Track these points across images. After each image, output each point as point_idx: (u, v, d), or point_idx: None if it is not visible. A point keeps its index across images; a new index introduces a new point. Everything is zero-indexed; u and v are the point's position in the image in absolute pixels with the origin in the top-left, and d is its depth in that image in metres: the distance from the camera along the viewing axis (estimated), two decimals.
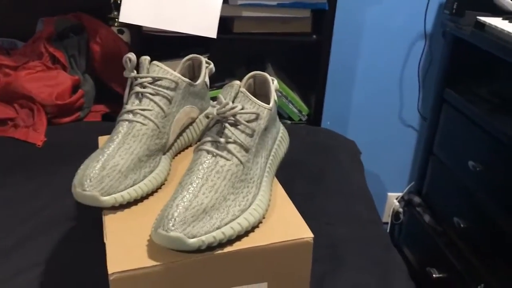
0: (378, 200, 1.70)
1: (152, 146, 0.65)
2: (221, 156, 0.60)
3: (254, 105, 0.63)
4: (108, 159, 0.61)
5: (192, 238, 0.54)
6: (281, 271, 0.61)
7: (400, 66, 1.71)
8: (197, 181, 0.58)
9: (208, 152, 0.60)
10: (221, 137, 0.61)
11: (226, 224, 0.56)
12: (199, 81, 0.71)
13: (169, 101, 0.67)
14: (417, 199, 1.67)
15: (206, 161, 0.60)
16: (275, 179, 0.72)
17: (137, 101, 0.66)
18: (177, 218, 0.54)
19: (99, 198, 0.59)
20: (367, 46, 1.68)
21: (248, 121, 0.62)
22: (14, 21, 1.42)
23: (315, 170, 1.12)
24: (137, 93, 0.66)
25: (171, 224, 0.53)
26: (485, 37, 1.25)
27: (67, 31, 1.36)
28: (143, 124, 0.65)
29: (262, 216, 0.61)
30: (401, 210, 1.82)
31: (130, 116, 0.65)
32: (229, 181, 0.59)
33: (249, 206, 0.60)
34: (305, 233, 0.60)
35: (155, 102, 0.66)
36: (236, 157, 0.60)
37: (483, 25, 1.28)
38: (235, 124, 0.61)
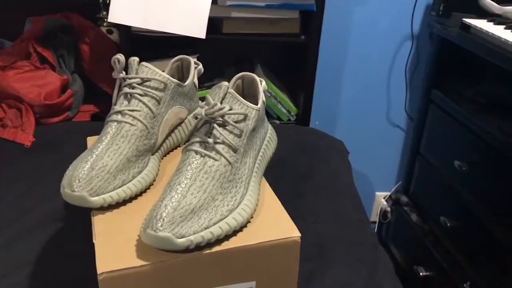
0: (366, 199, 1.72)
1: (140, 146, 0.66)
2: (210, 157, 0.60)
3: (242, 105, 0.64)
4: (97, 159, 0.62)
5: (181, 238, 0.54)
6: (269, 270, 0.61)
7: (388, 67, 1.73)
8: (185, 182, 0.59)
9: (196, 152, 0.61)
10: (209, 137, 0.61)
11: (214, 224, 0.57)
12: (187, 81, 0.72)
13: (158, 101, 0.67)
14: (404, 198, 1.69)
15: (195, 162, 0.60)
16: (264, 179, 0.72)
17: (125, 102, 0.66)
18: (165, 218, 0.54)
19: (88, 199, 0.59)
20: (355, 47, 1.69)
21: (236, 122, 0.63)
22: (1, 20, 1.41)
23: (303, 169, 1.13)
24: (126, 93, 0.66)
25: (159, 224, 0.54)
26: (470, 39, 1.27)
27: (56, 31, 1.35)
28: (132, 125, 0.65)
29: (250, 215, 0.61)
30: (388, 209, 1.84)
31: (119, 117, 0.65)
32: (218, 181, 0.60)
33: (238, 206, 0.60)
34: (293, 232, 0.61)
35: (143, 103, 0.66)
36: (225, 158, 0.61)
37: (468, 27, 1.29)
38: (223, 125, 0.62)
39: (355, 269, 0.85)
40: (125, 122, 0.65)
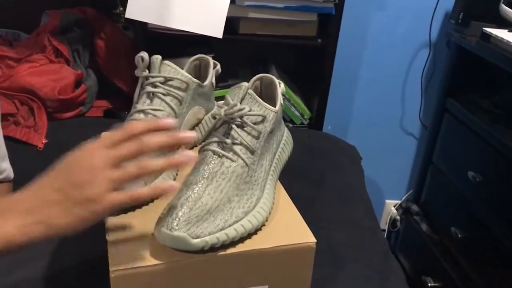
0: (376, 207, 1.70)
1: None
2: (227, 157, 0.60)
3: (261, 107, 0.63)
4: None
5: (196, 238, 0.53)
6: (282, 275, 0.60)
7: (403, 74, 1.71)
8: (202, 181, 0.58)
9: (214, 152, 0.60)
10: (227, 138, 0.60)
11: (229, 226, 0.56)
12: (206, 82, 0.71)
13: (180, 102, 0.67)
14: (415, 208, 1.67)
15: (212, 162, 0.60)
16: (279, 183, 0.71)
17: (148, 101, 0.65)
18: (181, 218, 0.54)
19: None
20: (371, 52, 1.68)
21: (254, 123, 0.62)
22: (18, 13, 1.42)
23: (315, 174, 1.12)
24: (148, 92, 0.66)
25: (175, 224, 0.53)
26: (490, 48, 1.25)
27: (72, 25, 1.35)
28: None
29: (265, 219, 0.60)
30: (398, 217, 1.82)
31: (142, 116, 0.64)
32: (234, 182, 0.59)
33: (253, 209, 0.59)
34: (308, 237, 0.60)
35: (166, 103, 0.66)
36: (242, 159, 0.60)
37: (489, 36, 1.28)
38: (241, 126, 0.61)
39: (367, 277, 0.84)
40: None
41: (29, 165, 1.04)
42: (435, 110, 1.58)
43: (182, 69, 0.70)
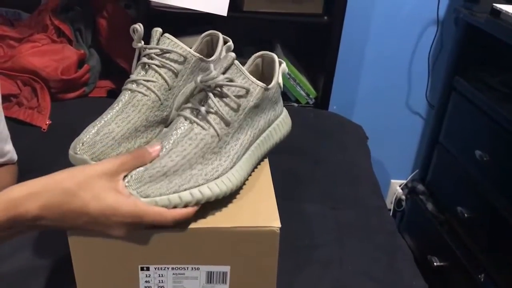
0: (381, 187, 1.69)
1: (151, 117, 0.65)
2: (198, 124, 0.58)
3: (247, 80, 0.61)
4: (104, 125, 0.62)
5: (145, 197, 0.53)
6: (245, 258, 0.59)
7: (410, 52, 1.69)
8: (167, 145, 0.57)
9: (186, 118, 0.59)
10: (202, 106, 0.59)
11: (185, 190, 0.55)
12: (213, 57, 0.69)
13: (175, 74, 0.66)
14: (420, 187, 1.67)
15: (182, 127, 0.58)
16: (266, 164, 0.69)
17: (142, 72, 0.65)
18: (133, 176, 0.54)
19: (89, 162, 0.59)
20: (378, 31, 1.65)
21: (236, 96, 0.60)
22: None
23: (322, 154, 1.11)
24: (144, 64, 0.66)
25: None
26: (500, 25, 1.23)
27: (73, 4, 1.33)
28: (145, 95, 0.64)
29: (229, 190, 0.58)
30: (403, 197, 1.81)
31: (134, 86, 0.65)
32: (201, 150, 0.57)
33: (217, 178, 0.58)
34: (273, 222, 0.57)
35: (160, 74, 0.65)
36: (214, 128, 0.58)
37: (499, 12, 1.25)
38: (220, 96, 0.59)
39: (374, 256, 0.84)
40: (138, 92, 0.64)
41: (33, 146, 1.04)
42: (442, 88, 1.56)
43: (191, 47, 0.69)
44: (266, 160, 0.70)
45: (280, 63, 0.68)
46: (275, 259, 0.59)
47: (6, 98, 1.18)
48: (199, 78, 0.59)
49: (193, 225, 0.56)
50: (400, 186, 1.86)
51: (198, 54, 0.68)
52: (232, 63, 0.60)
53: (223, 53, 0.69)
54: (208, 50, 0.74)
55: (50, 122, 1.14)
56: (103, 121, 0.62)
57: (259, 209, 0.60)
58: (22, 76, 1.21)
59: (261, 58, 0.70)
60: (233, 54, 0.60)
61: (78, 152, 0.59)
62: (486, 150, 1.30)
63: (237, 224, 0.57)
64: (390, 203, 1.89)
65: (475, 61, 1.46)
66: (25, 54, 1.21)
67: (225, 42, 0.72)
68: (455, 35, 1.53)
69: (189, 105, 0.60)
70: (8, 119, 1.10)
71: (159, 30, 0.67)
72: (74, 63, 1.25)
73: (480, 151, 1.31)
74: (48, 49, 1.24)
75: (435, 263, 1.47)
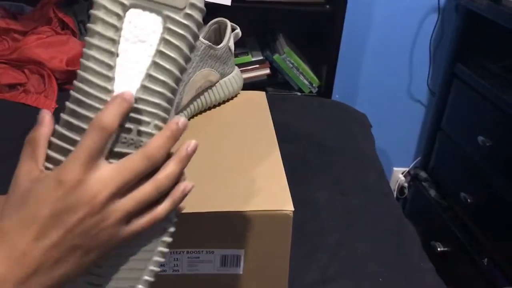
0: None
1: None
2: None
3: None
4: None
5: None
6: (258, 241, 0.59)
7: (411, 40, 1.69)
8: None
9: None
10: None
11: None
12: (221, 45, 0.70)
13: None
14: (423, 174, 1.68)
15: None
16: (277, 150, 0.68)
17: None
18: None
19: None
20: (379, 18, 1.65)
21: None
22: None
23: (328, 141, 1.12)
24: None
25: None
26: (501, 11, 1.24)
27: None
28: None
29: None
30: (406, 184, 1.83)
31: None
32: None
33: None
34: (286, 205, 0.57)
35: None
36: None
37: None
38: None
39: (383, 241, 0.85)
40: None
41: None
42: (443, 75, 1.57)
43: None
44: (277, 147, 0.71)
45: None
46: (288, 242, 0.60)
47: (13, 86, 1.19)
48: None
49: (207, 209, 0.57)
50: (402, 173, 1.88)
51: (207, 41, 0.69)
52: None
53: (231, 40, 0.70)
54: (216, 37, 0.75)
55: (57, 106, 1.14)
56: None
57: (272, 193, 0.60)
58: (29, 66, 1.22)
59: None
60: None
61: None
62: (488, 135, 1.31)
63: (250, 208, 0.57)
64: (393, 191, 1.90)
65: (476, 47, 1.47)
66: (30, 46, 1.22)
67: (232, 30, 0.73)
68: (456, 22, 1.53)
69: None
70: (15, 105, 1.11)
71: None
72: (78, 54, 1.26)
73: (482, 137, 1.32)
74: (53, 41, 1.24)
75: (438, 249, 1.49)
